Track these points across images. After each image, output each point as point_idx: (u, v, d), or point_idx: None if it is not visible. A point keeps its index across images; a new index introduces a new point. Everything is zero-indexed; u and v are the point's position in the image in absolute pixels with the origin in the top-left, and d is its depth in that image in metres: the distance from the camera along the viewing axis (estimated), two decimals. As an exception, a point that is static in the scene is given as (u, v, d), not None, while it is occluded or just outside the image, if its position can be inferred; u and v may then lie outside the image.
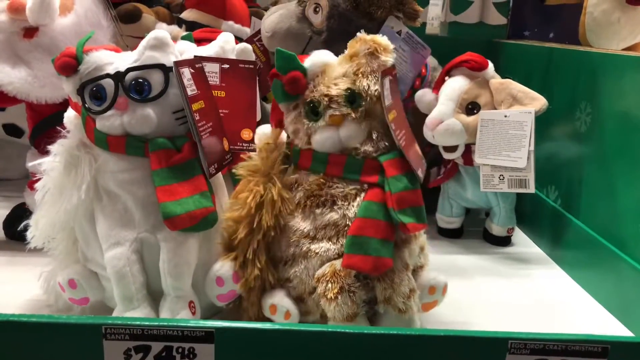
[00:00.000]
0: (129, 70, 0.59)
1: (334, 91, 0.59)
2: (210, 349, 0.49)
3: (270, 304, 0.61)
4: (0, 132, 1.04)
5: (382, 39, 0.60)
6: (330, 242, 0.59)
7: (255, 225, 0.60)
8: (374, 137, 0.60)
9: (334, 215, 0.59)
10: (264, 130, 0.66)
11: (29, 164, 0.67)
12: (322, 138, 0.60)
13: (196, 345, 0.49)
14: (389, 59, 0.59)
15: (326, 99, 0.60)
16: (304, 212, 0.61)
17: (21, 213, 0.78)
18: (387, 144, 0.60)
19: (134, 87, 0.59)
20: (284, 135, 0.65)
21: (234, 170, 0.64)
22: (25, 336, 0.48)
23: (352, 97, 0.59)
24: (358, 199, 0.59)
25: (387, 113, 0.59)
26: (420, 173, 0.60)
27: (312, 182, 0.61)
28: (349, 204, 0.59)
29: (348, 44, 0.62)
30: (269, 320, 0.62)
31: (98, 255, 0.61)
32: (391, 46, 0.60)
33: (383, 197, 0.58)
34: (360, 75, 0.59)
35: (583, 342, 0.49)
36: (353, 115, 0.59)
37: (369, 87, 0.59)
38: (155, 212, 0.58)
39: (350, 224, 0.58)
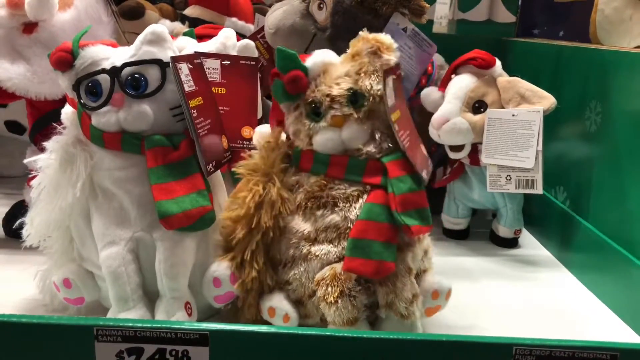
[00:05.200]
0: (125, 65, 0.58)
1: (335, 91, 0.58)
2: (204, 351, 0.47)
3: (268, 306, 0.59)
4: (2, 129, 1.03)
5: (385, 38, 0.58)
6: (331, 245, 0.58)
7: (254, 226, 0.59)
8: (376, 138, 0.58)
9: (335, 217, 0.58)
10: (263, 130, 0.65)
11: (26, 160, 0.66)
12: (324, 139, 0.59)
13: (190, 348, 0.47)
14: (392, 57, 0.58)
15: (328, 99, 0.58)
16: (305, 214, 0.59)
17: (20, 210, 0.77)
18: (390, 144, 0.59)
19: (130, 83, 0.58)
20: (284, 135, 0.64)
21: (233, 169, 0.63)
22: (15, 337, 0.47)
23: (355, 97, 0.58)
24: (360, 200, 0.58)
25: (389, 113, 0.57)
26: (425, 174, 0.59)
27: (313, 184, 0.59)
28: (350, 205, 0.58)
29: (350, 42, 0.60)
30: (266, 323, 0.60)
31: (93, 254, 0.60)
32: (394, 45, 0.58)
33: (386, 199, 0.56)
34: (362, 74, 0.58)
35: (591, 349, 0.47)
36: (355, 115, 0.58)
37: (371, 86, 0.57)
38: (151, 210, 0.57)
39: (351, 226, 0.57)
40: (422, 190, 0.57)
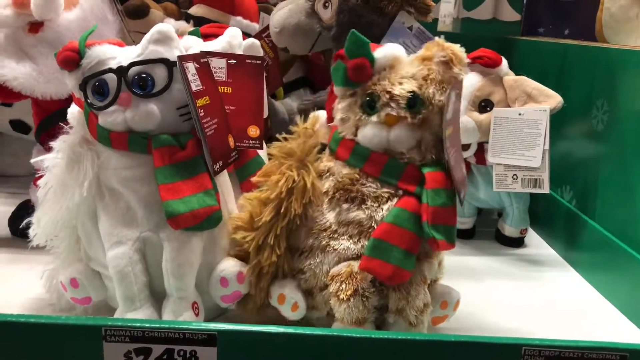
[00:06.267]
0: (132, 64, 0.58)
1: (397, 90, 0.56)
2: (212, 352, 0.47)
3: (279, 293, 0.59)
4: (8, 129, 1.03)
5: (460, 51, 0.57)
6: (351, 241, 0.57)
7: (282, 211, 0.58)
8: (422, 148, 0.57)
9: (360, 214, 0.57)
10: (322, 115, 0.64)
11: (32, 160, 0.66)
12: (371, 134, 0.57)
13: (198, 348, 0.47)
14: (462, 73, 0.56)
15: (387, 95, 0.56)
16: (330, 204, 0.58)
17: (26, 210, 0.77)
18: (434, 157, 0.57)
19: (137, 82, 0.57)
20: (323, 121, 0.63)
21: (266, 150, 0.61)
22: (23, 337, 0.47)
23: (414, 102, 0.56)
24: (389, 203, 0.57)
25: (445, 127, 0.56)
26: (462, 195, 0.58)
27: (345, 175, 0.58)
28: (378, 206, 0.57)
29: (424, 45, 0.58)
30: (272, 308, 0.60)
31: (100, 254, 0.60)
32: (467, 60, 0.57)
33: (417, 208, 0.55)
34: (429, 81, 0.56)
35: (601, 349, 0.47)
36: (409, 119, 0.56)
37: (434, 95, 0.56)
38: (158, 210, 0.57)
39: (375, 227, 0.56)
40: (454, 207, 0.56)
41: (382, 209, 0.57)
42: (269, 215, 0.58)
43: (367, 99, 0.58)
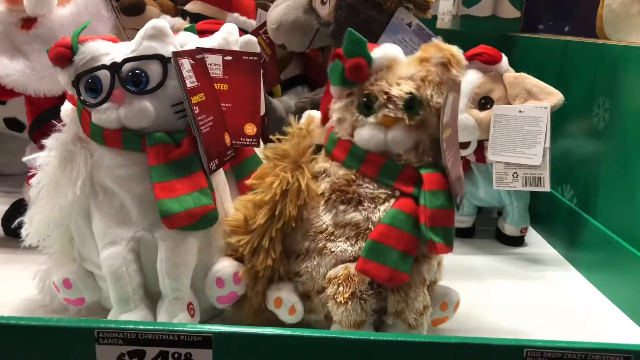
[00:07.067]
0: (125, 60, 0.57)
1: (395, 91, 0.55)
2: (207, 354, 0.46)
3: (276, 296, 0.58)
4: (1, 126, 1.02)
5: (458, 52, 0.55)
6: (348, 243, 0.56)
7: (277, 213, 0.57)
8: (419, 149, 0.56)
9: (357, 216, 0.56)
10: (315, 114, 0.63)
11: (25, 158, 0.65)
12: (368, 135, 0.56)
13: (193, 351, 0.46)
14: (460, 75, 0.55)
15: (385, 96, 0.55)
16: (326, 206, 0.58)
17: (20, 209, 0.76)
18: (430, 159, 0.56)
19: (130, 79, 0.56)
20: (317, 122, 0.62)
21: (262, 150, 0.60)
22: (14, 339, 0.46)
23: (412, 103, 0.55)
24: (386, 204, 0.56)
25: (442, 130, 0.55)
26: (459, 200, 0.57)
27: (341, 176, 0.57)
28: (375, 207, 0.56)
29: (421, 47, 0.57)
30: (269, 311, 0.59)
31: (94, 254, 0.59)
32: (465, 62, 0.56)
33: (414, 210, 0.55)
34: (427, 82, 0.55)
35: (604, 351, 0.46)
36: (407, 121, 0.55)
37: (432, 97, 0.55)
38: (153, 209, 0.56)
39: (372, 228, 0.55)
40: (452, 209, 0.55)
41: (379, 210, 0.56)
42: (264, 218, 0.57)
43: (364, 99, 0.57)
